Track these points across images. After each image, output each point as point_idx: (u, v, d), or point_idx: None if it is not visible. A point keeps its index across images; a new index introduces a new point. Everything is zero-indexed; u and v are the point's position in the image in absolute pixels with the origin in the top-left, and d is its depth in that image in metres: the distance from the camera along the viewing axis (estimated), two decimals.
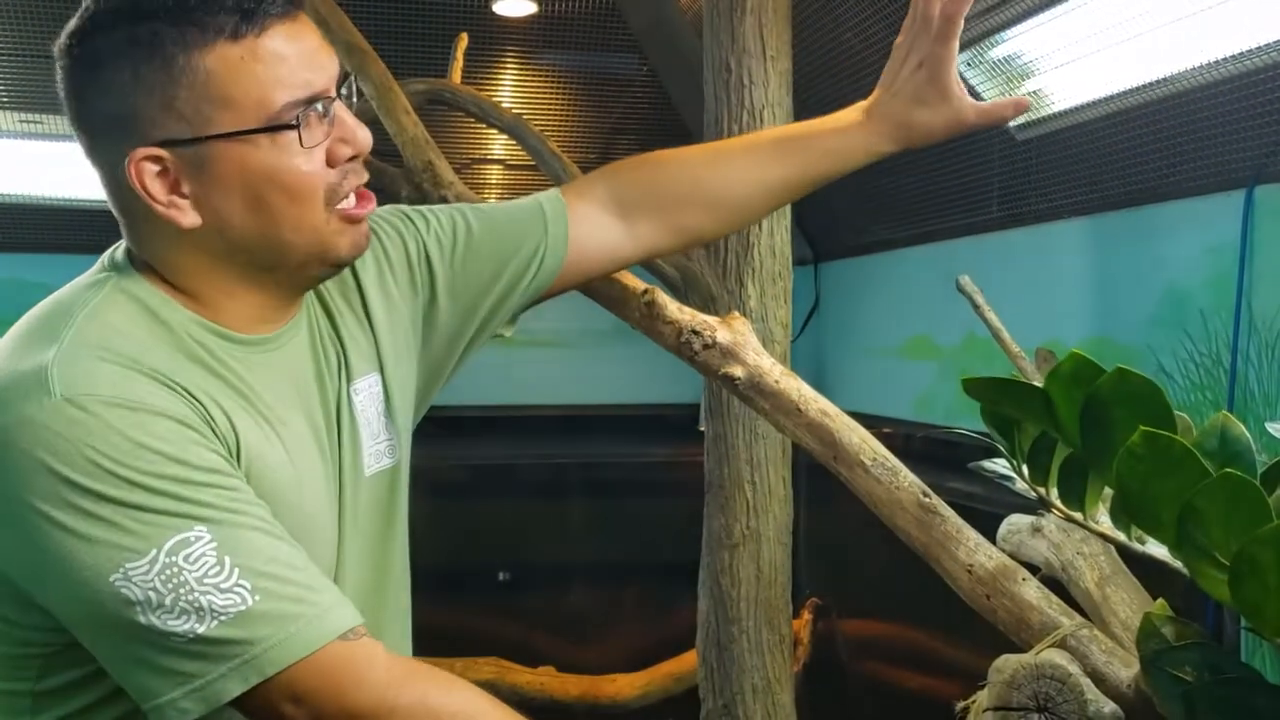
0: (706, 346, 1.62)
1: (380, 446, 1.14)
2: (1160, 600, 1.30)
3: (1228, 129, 1.86)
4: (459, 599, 3.63)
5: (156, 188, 0.95)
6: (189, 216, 0.96)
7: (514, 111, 2.72)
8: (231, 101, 0.93)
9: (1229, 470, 0.67)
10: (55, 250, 3.28)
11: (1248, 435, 0.77)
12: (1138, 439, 0.70)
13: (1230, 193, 1.86)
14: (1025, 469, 0.87)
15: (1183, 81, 1.87)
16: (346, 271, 1.16)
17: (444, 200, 2.16)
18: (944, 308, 2.72)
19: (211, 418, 0.93)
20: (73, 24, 0.96)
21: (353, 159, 1.00)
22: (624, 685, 3.49)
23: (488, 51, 3.13)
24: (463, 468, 3.79)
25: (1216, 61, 1.78)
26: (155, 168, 0.94)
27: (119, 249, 1.04)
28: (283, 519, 0.94)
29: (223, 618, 0.85)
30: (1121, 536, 0.84)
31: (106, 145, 0.96)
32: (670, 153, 1.34)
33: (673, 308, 1.67)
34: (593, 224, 1.32)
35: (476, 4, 2.97)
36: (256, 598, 0.86)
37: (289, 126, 0.94)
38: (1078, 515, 0.86)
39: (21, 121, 2.93)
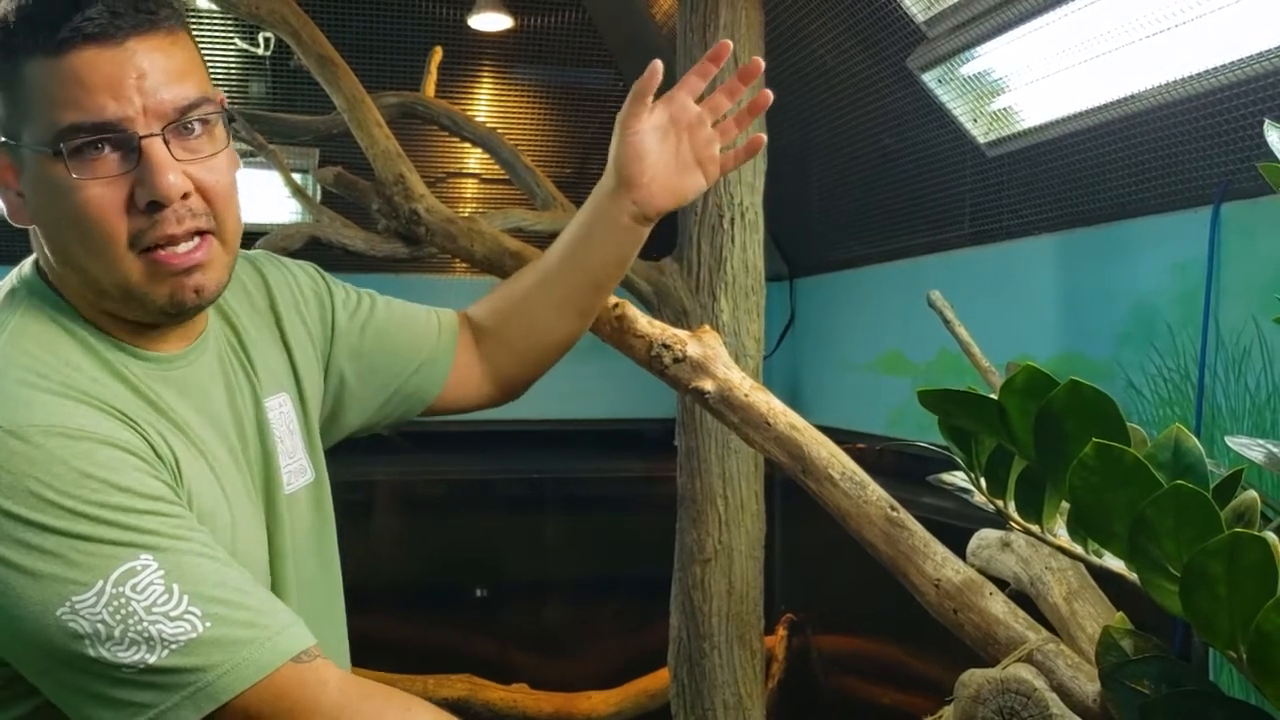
0: (677, 360, 1.62)
1: (295, 464, 1.12)
2: (1120, 614, 1.31)
3: (1194, 146, 1.87)
4: (431, 614, 3.61)
5: (7, 177, 0.95)
6: (21, 215, 0.95)
7: (488, 125, 2.72)
8: (32, 114, 0.90)
9: (1180, 482, 0.67)
10: None
11: (1200, 448, 0.77)
12: (1090, 451, 0.70)
13: (1197, 210, 1.87)
14: (983, 481, 0.87)
15: (1150, 99, 1.88)
16: (258, 291, 1.16)
17: (414, 214, 2.16)
18: (917, 323, 2.73)
19: (152, 443, 0.91)
20: None
21: (155, 207, 0.91)
22: (598, 702, 3.47)
23: (463, 66, 3.13)
24: (436, 483, 3.78)
25: (1183, 79, 1.80)
26: (6, 158, 0.94)
27: (27, 263, 1.00)
28: (218, 543, 0.92)
29: (173, 646, 0.83)
30: (1079, 549, 0.84)
31: None
32: (515, 292, 1.36)
33: (643, 321, 1.67)
34: (471, 356, 1.35)
35: (451, 18, 2.97)
36: (207, 624, 0.84)
37: (54, 153, 0.89)
38: (1035, 528, 0.86)
39: None
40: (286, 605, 0.95)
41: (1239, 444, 1.00)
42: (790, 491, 2.89)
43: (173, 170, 0.91)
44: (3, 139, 0.94)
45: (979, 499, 0.90)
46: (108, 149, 0.90)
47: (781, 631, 3.58)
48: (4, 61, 0.91)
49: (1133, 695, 0.87)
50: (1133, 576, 0.78)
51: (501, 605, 3.78)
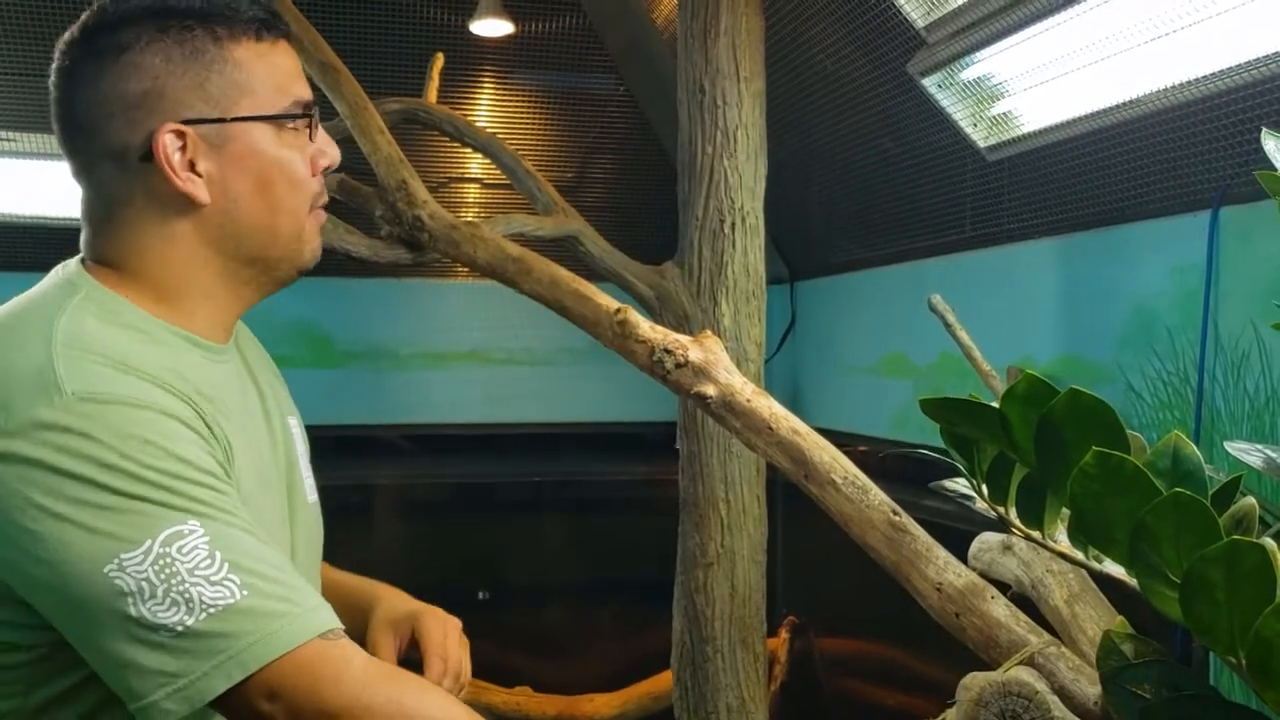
0: (679, 365, 1.62)
1: (309, 480, 1.20)
2: (1121, 618, 1.32)
3: (1193, 151, 1.88)
4: None
5: (177, 161, 1.01)
6: (202, 192, 1.02)
7: (490, 131, 2.72)
8: (253, 89, 1.03)
9: (1179, 490, 0.68)
10: None
11: (1199, 455, 0.78)
12: (1090, 459, 0.70)
13: (1196, 214, 1.88)
14: (985, 488, 0.87)
15: (1149, 104, 1.89)
16: (257, 342, 1.26)
17: (417, 220, 2.17)
18: (918, 326, 2.74)
19: (208, 422, 0.97)
20: (89, 20, 1.03)
21: (327, 170, 1.10)
22: (601, 705, 3.47)
23: (465, 71, 3.14)
24: (439, 486, 3.79)
25: (1182, 84, 1.81)
26: (178, 143, 1.01)
27: (68, 265, 1.06)
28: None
29: (211, 610, 0.87)
30: (1080, 555, 0.85)
31: (119, 128, 1.01)
32: None
33: (645, 327, 1.68)
34: None
35: (453, 24, 2.98)
36: (244, 593, 0.88)
37: (302, 116, 1.06)
38: (1036, 534, 0.87)
39: None
40: None
41: (1237, 449, 1.01)
42: (792, 495, 2.90)
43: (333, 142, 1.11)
44: (191, 122, 1.01)
45: (980, 506, 0.91)
46: (299, 124, 1.07)
47: (784, 634, 3.59)
48: (203, 44, 1.02)
49: (1133, 699, 0.88)
50: (1133, 582, 0.79)
51: (503, 608, 3.79)
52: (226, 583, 0.88)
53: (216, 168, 1.03)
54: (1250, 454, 1.01)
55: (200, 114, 1.01)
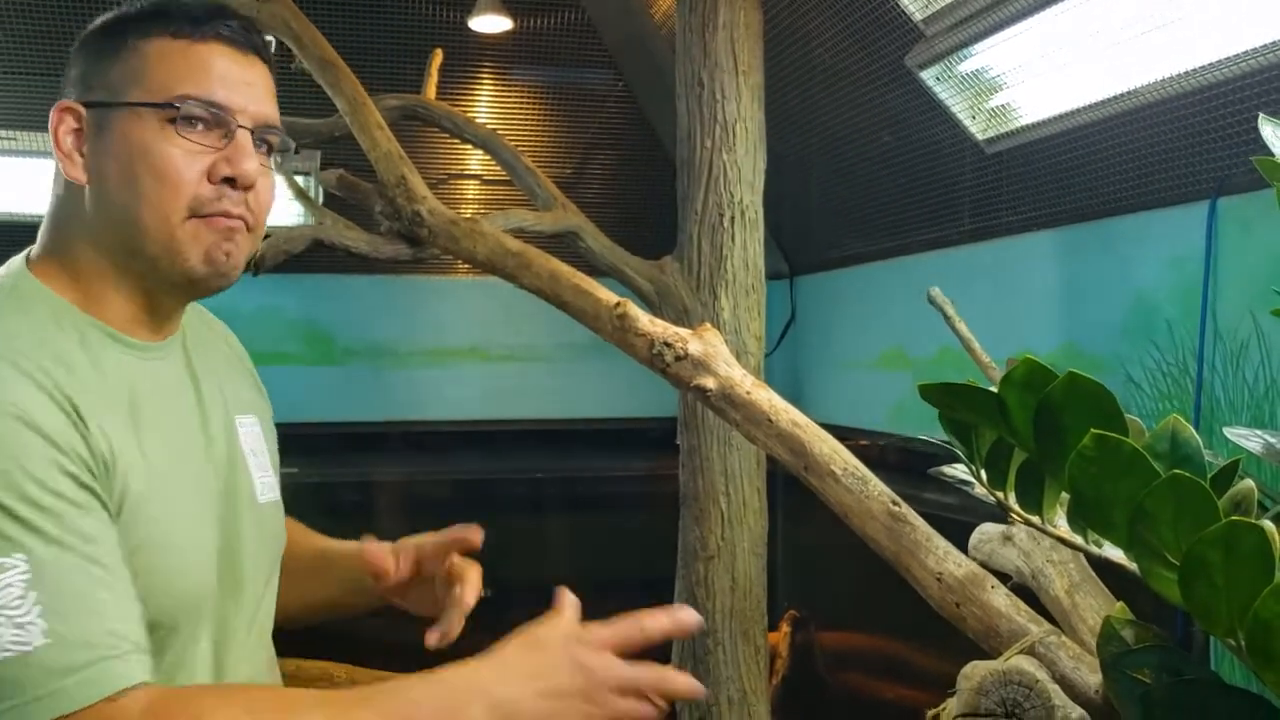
0: (678, 358, 1.63)
1: (267, 480, 1.18)
2: (1121, 604, 1.32)
3: (1191, 141, 1.88)
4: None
5: (65, 139, 1.04)
6: (77, 171, 1.04)
7: (489, 127, 2.73)
8: (145, 81, 1.03)
9: (1178, 472, 0.69)
10: None
11: (1197, 438, 0.78)
12: (1089, 441, 0.71)
13: (1194, 204, 1.89)
14: (983, 474, 0.88)
15: (1147, 95, 1.89)
16: (230, 340, 1.26)
17: (417, 216, 2.17)
18: (917, 320, 2.74)
19: (82, 416, 0.95)
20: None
21: (230, 183, 1.04)
22: None
23: (464, 68, 3.14)
24: (440, 482, 3.79)
25: (1180, 75, 1.81)
26: (73, 123, 1.04)
27: (18, 258, 1.08)
28: (144, 529, 0.96)
29: (6, 653, 0.85)
30: (1079, 540, 0.85)
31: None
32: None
33: (645, 320, 1.68)
34: None
35: (452, 20, 2.98)
36: (46, 640, 0.86)
37: (170, 107, 1.02)
38: (1035, 519, 0.87)
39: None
40: (219, 601, 1.02)
41: (1237, 435, 1.01)
42: (793, 488, 2.90)
43: (254, 160, 1.06)
44: (88, 100, 1.04)
45: (980, 491, 0.91)
46: (205, 126, 1.04)
47: (785, 628, 3.59)
48: (125, 36, 1.04)
49: (1133, 684, 0.88)
50: (1132, 566, 0.79)
51: (504, 603, 3.79)
52: (30, 627, 0.86)
53: (95, 151, 1.04)
54: (1249, 439, 1.01)
55: (96, 98, 1.04)
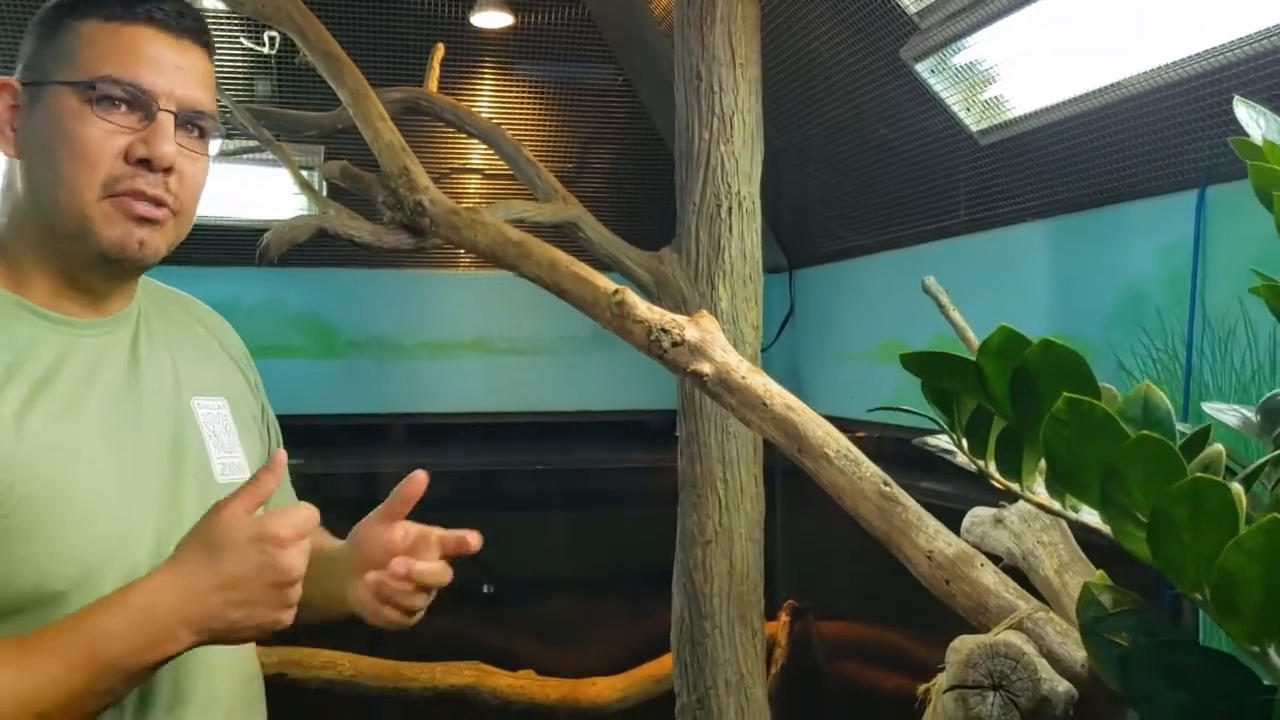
0: (675, 344, 1.66)
1: (232, 460, 1.18)
2: (1101, 572, 1.35)
3: (1180, 131, 1.91)
4: (435, 605, 3.65)
5: (1, 116, 1.08)
6: (9, 147, 1.08)
7: (490, 121, 2.76)
8: (72, 61, 1.06)
9: (1146, 433, 0.71)
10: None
11: (1168, 403, 0.81)
12: (1061, 405, 0.74)
13: (1183, 193, 1.92)
14: (964, 442, 0.91)
15: (1135, 85, 1.92)
16: (209, 319, 1.28)
17: (419, 205, 2.20)
18: (914, 312, 2.77)
19: None
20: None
21: (146, 164, 1.05)
22: (604, 688, 3.52)
23: (465, 62, 3.18)
24: (441, 474, 3.81)
25: (1167, 65, 1.84)
26: (9, 100, 1.08)
27: None
28: (54, 504, 1.00)
29: None
30: (1057, 505, 0.88)
31: None
32: None
33: (642, 307, 1.71)
34: None
35: (454, 15, 3.02)
36: None
37: (89, 87, 1.04)
38: (1015, 486, 0.90)
39: None
40: (105, 580, 1.02)
41: (1214, 410, 1.04)
42: (792, 480, 2.93)
43: (173, 142, 1.07)
44: (24, 79, 1.08)
45: (961, 460, 0.94)
46: (127, 107, 1.06)
47: (784, 618, 3.63)
48: (61, 16, 1.07)
49: (1111, 647, 0.91)
50: (1107, 529, 0.82)
51: (505, 595, 3.82)
52: None
53: (24, 128, 1.07)
54: (1227, 414, 1.04)
55: (31, 77, 1.07)
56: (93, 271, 1.09)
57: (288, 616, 0.99)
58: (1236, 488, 0.76)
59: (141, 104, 1.06)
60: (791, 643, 3.60)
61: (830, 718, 3.51)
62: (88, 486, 1.04)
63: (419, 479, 1.16)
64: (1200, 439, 0.82)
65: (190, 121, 1.10)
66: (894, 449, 2.95)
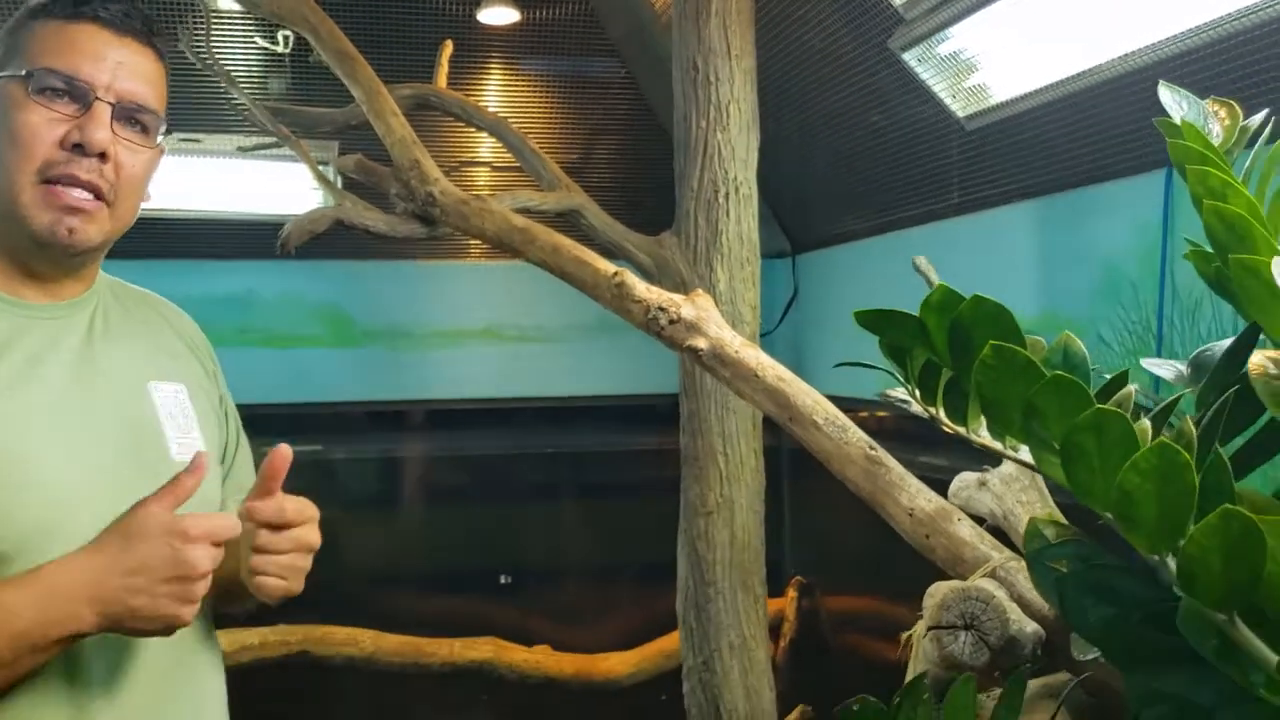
0: (672, 321, 1.77)
1: (188, 440, 1.21)
2: (1051, 508, 1.46)
3: (1149, 114, 2.00)
4: (452, 588, 3.78)
5: None
6: None
7: (497, 114, 2.86)
8: (21, 55, 1.13)
9: (1059, 373, 0.82)
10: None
11: (1085, 351, 0.92)
12: (988, 352, 0.84)
13: (1153, 173, 2.01)
14: (917, 392, 1.01)
15: (1108, 71, 2.02)
16: (167, 305, 1.34)
17: (430, 196, 2.31)
18: (911, 293, 2.84)
19: None
20: None
21: (79, 149, 1.11)
22: (617, 663, 3.63)
23: (473, 58, 3.28)
24: (452, 459, 3.92)
25: (1137, 50, 1.93)
26: None
27: None
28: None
29: None
30: (998, 445, 0.99)
31: None
32: None
33: (641, 288, 1.82)
34: None
35: (461, 13, 3.12)
36: None
37: (28, 77, 1.10)
38: (961, 430, 1.01)
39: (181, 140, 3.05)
40: (54, 546, 1.04)
41: (1151, 364, 1.15)
42: (798, 462, 3.02)
43: (107, 130, 1.12)
44: None
45: (916, 408, 1.05)
46: (67, 99, 1.12)
47: (792, 594, 3.73)
48: (25, 20, 1.15)
49: (1050, 573, 1.02)
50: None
51: (518, 575, 3.92)
52: None
53: None
54: (1163, 368, 1.15)
55: None
56: (33, 256, 1.15)
57: (187, 613, 1.01)
58: (1145, 423, 0.87)
59: (80, 94, 1.11)
60: (799, 617, 3.70)
61: (837, 688, 3.61)
62: (34, 456, 1.08)
63: (281, 452, 1.12)
64: (1118, 383, 0.93)
65: (131, 115, 1.15)
66: (895, 425, 3.05)
